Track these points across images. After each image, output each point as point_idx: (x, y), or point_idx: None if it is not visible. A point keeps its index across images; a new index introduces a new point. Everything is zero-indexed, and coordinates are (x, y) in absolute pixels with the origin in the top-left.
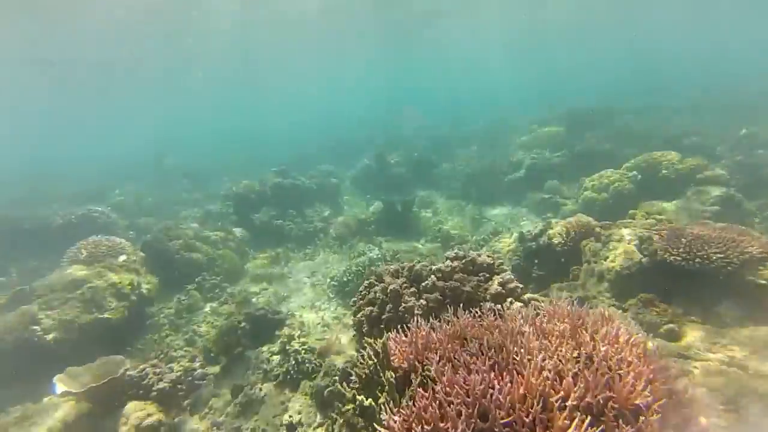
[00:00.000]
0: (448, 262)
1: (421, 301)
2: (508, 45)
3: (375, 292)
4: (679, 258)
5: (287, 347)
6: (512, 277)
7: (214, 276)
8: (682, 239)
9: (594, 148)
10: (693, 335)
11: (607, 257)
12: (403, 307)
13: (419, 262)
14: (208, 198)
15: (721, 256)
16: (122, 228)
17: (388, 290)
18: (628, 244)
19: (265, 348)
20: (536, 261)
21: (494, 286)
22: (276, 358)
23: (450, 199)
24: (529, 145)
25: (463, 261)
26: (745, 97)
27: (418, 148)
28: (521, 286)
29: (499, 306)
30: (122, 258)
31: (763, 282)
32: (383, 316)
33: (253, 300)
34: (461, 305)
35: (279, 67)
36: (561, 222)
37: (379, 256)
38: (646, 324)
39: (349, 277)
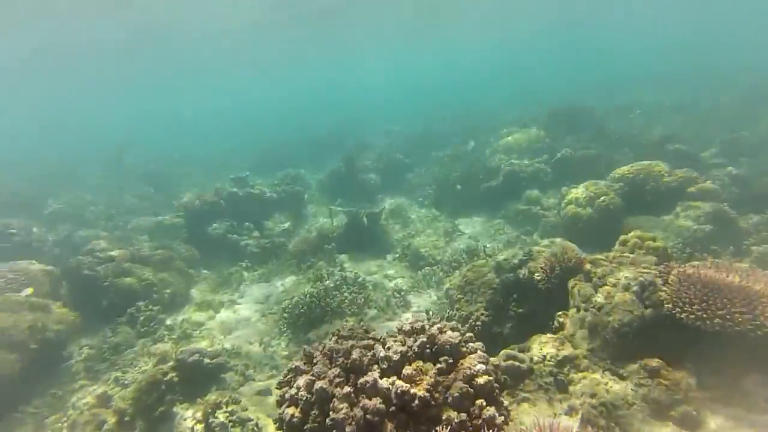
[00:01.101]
0: (398, 346)
1: (357, 411)
2: (487, 39)
3: (298, 388)
4: (693, 317)
5: (211, 419)
6: (484, 361)
7: (151, 306)
8: (695, 289)
9: (576, 154)
10: (715, 422)
11: (601, 307)
12: (332, 419)
13: (361, 338)
14: (163, 206)
15: (749, 316)
16: (50, 246)
17: (314, 389)
18: (626, 291)
19: (189, 414)
20: (515, 296)
21: (458, 383)
22: None
23: (423, 208)
24: (507, 149)
25: (418, 343)
26: (728, 100)
27: (391, 150)
28: (495, 379)
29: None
30: (25, 293)
31: None
32: (305, 427)
33: (196, 333)
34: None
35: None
36: (544, 254)
37: (339, 282)
38: (653, 403)
39: (302, 310)
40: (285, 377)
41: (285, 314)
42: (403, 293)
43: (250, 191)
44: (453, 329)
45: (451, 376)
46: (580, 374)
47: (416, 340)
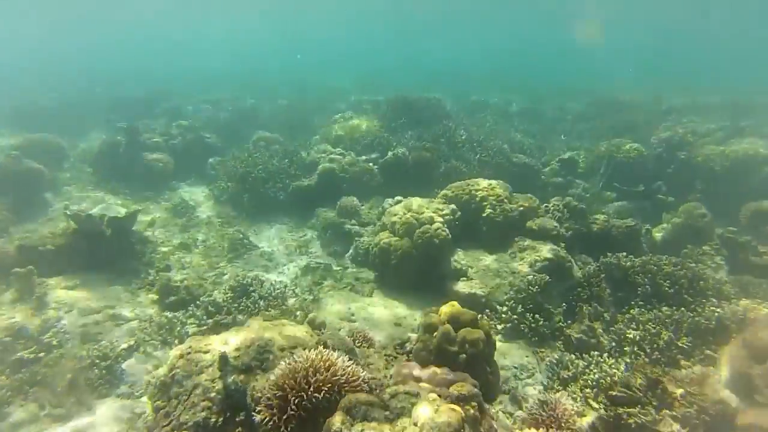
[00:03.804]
0: None
1: None
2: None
3: None
4: None
5: None
6: None
7: None
8: None
9: (411, 156)
10: None
11: None
12: None
13: None
14: None
15: None
16: None
17: None
18: None
19: None
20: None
21: None
22: None
23: (218, 204)
24: (335, 139)
25: None
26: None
27: (200, 126)
28: None
29: None
30: None
31: None
32: None
33: None
34: None
35: None
36: (285, 367)
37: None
38: None
39: None
40: None
41: None
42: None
43: None
44: None
45: None
46: None
47: None
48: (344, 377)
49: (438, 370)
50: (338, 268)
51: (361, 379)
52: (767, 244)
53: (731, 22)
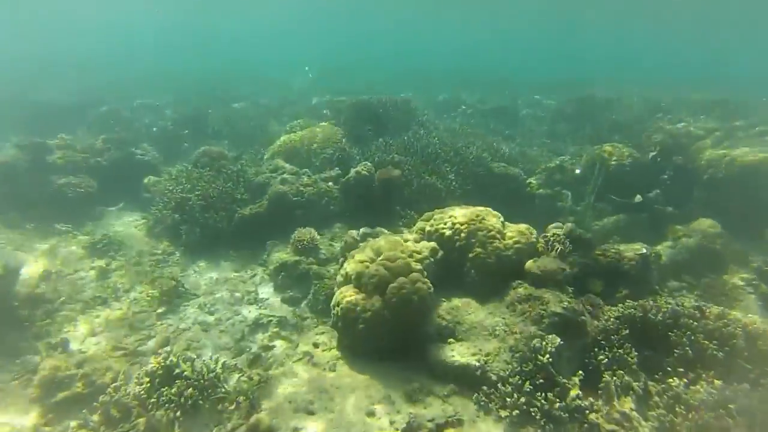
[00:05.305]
0: None
1: None
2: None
3: None
4: None
5: None
6: None
7: None
8: None
9: (378, 173)
10: None
11: None
12: None
13: None
14: None
15: None
16: None
17: None
18: None
19: None
20: None
21: None
22: None
23: (152, 237)
24: (289, 152)
25: None
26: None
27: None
28: None
29: None
30: None
31: None
32: None
33: None
34: None
35: None
36: None
37: None
38: None
39: None
40: None
41: None
42: None
43: None
44: None
45: None
46: None
47: None
48: None
49: None
50: (294, 320)
51: None
52: None
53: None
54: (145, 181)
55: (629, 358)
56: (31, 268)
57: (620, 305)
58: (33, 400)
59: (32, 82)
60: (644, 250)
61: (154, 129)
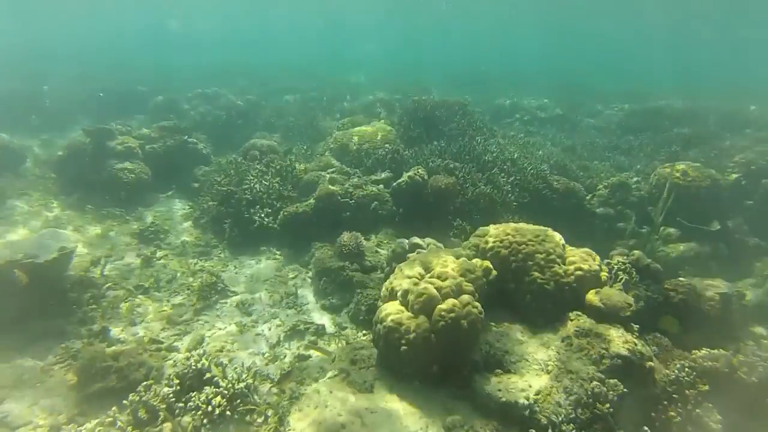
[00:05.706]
0: None
1: None
2: None
3: None
4: None
5: None
6: None
7: None
8: None
9: (431, 180)
10: None
11: None
12: None
13: None
14: None
15: None
16: None
17: None
18: None
19: None
20: None
21: None
22: None
23: (197, 227)
24: (339, 147)
25: None
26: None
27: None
28: None
29: None
30: None
31: None
32: None
33: None
34: None
35: None
36: None
37: None
38: None
39: None
40: None
41: None
42: None
43: None
44: None
45: None
46: None
47: None
48: None
49: None
50: (333, 330)
51: None
52: None
53: None
54: (197, 170)
55: (711, 423)
56: (84, 251)
57: (696, 352)
58: (70, 388)
59: (109, 70)
60: (726, 290)
61: (209, 119)
